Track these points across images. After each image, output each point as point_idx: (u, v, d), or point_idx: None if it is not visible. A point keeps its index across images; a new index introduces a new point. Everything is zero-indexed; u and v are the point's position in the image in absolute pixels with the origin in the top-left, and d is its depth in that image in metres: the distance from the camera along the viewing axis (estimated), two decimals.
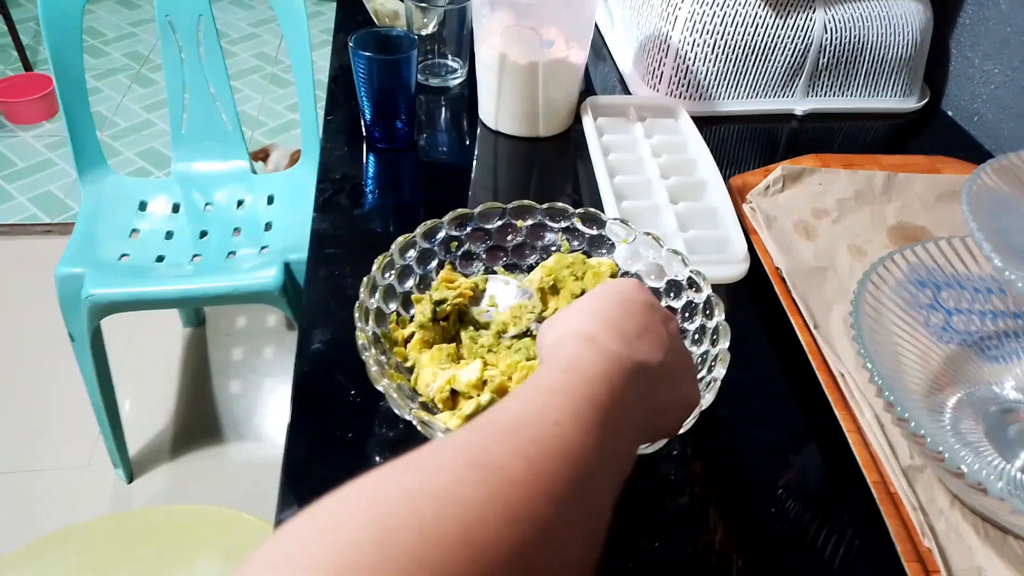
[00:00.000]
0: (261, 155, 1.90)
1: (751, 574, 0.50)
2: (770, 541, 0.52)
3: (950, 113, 1.00)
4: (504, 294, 0.61)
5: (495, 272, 0.64)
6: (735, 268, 0.69)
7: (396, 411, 0.49)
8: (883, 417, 0.55)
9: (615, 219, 0.63)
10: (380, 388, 0.49)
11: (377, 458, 0.54)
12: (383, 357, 0.54)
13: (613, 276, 0.62)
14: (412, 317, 0.59)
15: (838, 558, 0.51)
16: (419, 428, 0.48)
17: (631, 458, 0.35)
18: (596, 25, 1.14)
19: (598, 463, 0.31)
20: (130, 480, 1.52)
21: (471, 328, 0.59)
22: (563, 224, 0.64)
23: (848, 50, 0.94)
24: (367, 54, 0.78)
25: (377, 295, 0.57)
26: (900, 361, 0.57)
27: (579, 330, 0.38)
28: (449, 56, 0.99)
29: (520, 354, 0.57)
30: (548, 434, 0.30)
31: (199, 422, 1.64)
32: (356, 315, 0.53)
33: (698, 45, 0.91)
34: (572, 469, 0.29)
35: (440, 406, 0.54)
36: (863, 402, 0.56)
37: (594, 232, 0.63)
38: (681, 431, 0.46)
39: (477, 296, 0.62)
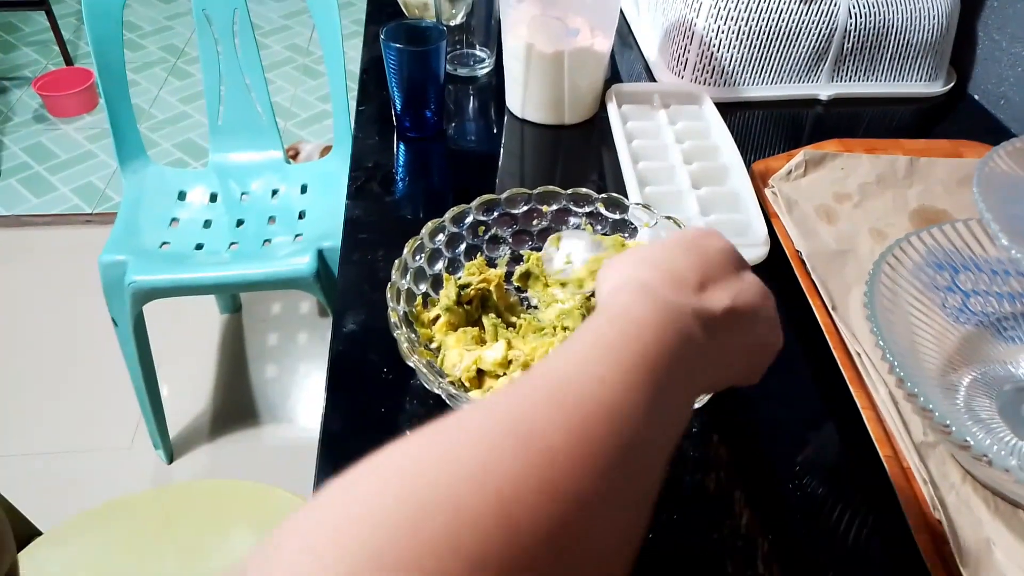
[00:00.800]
0: (291, 152, 1.94)
1: (769, 544, 0.52)
2: (786, 514, 0.54)
3: (976, 97, 1.00)
4: (579, 249, 0.63)
5: (521, 256, 0.67)
6: (756, 251, 0.70)
7: (426, 385, 0.52)
8: (897, 394, 0.56)
9: (637, 203, 0.65)
10: (411, 364, 0.52)
11: (408, 432, 0.57)
12: (413, 335, 0.56)
13: None
14: (438, 299, 0.62)
15: (852, 530, 0.53)
16: (448, 402, 0.51)
17: (687, 412, 0.34)
18: (622, 13, 1.15)
19: (647, 423, 0.28)
20: (170, 461, 1.58)
21: (493, 315, 0.62)
22: (587, 209, 0.66)
23: (873, 35, 0.94)
24: (398, 45, 0.81)
25: (408, 277, 0.59)
26: (915, 341, 0.58)
27: (634, 278, 0.36)
28: (477, 46, 1.01)
29: (545, 338, 0.59)
30: (592, 395, 0.27)
31: (236, 405, 1.70)
32: (388, 295, 0.56)
33: (723, 32, 0.93)
34: (619, 435, 0.27)
35: (467, 384, 0.56)
36: (878, 380, 0.57)
37: (617, 216, 0.65)
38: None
39: (551, 256, 0.63)
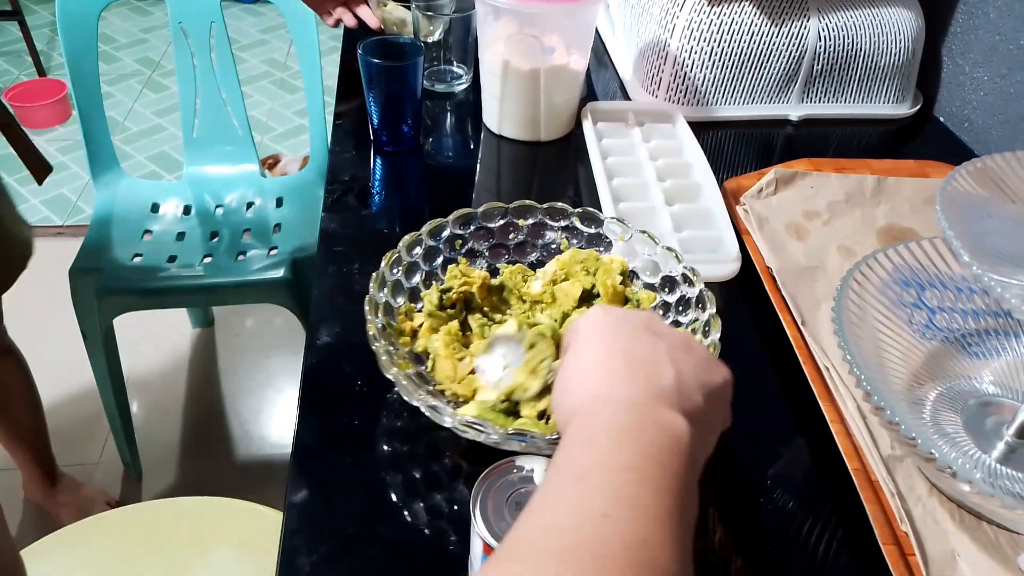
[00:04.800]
0: (270, 161, 1.94)
1: (742, 560, 0.52)
2: (758, 528, 0.54)
3: (942, 119, 1.03)
4: (512, 352, 0.55)
5: (498, 270, 0.67)
6: (727, 267, 0.71)
7: (405, 397, 0.52)
8: (864, 408, 0.57)
9: (612, 218, 0.65)
10: (390, 376, 0.52)
11: (385, 447, 0.57)
12: (391, 347, 0.56)
13: (623, 273, 0.64)
14: (420, 309, 0.62)
15: (822, 543, 0.53)
16: (427, 413, 0.51)
17: (695, 495, 0.35)
18: (597, 32, 1.16)
19: (674, 546, 0.30)
20: (139, 476, 1.55)
21: (479, 315, 0.62)
22: (562, 223, 0.67)
23: (842, 57, 0.96)
24: (375, 60, 0.81)
25: (386, 290, 0.60)
26: (883, 356, 0.59)
27: (588, 396, 0.38)
28: (454, 63, 1.02)
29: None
30: (620, 550, 0.29)
31: (206, 420, 1.67)
32: (366, 308, 0.56)
33: (696, 52, 0.94)
34: None
35: (460, 395, 0.56)
36: (846, 394, 0.58)
37: (592, 231, 0.66)
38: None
39: (484, 368, 0.56)
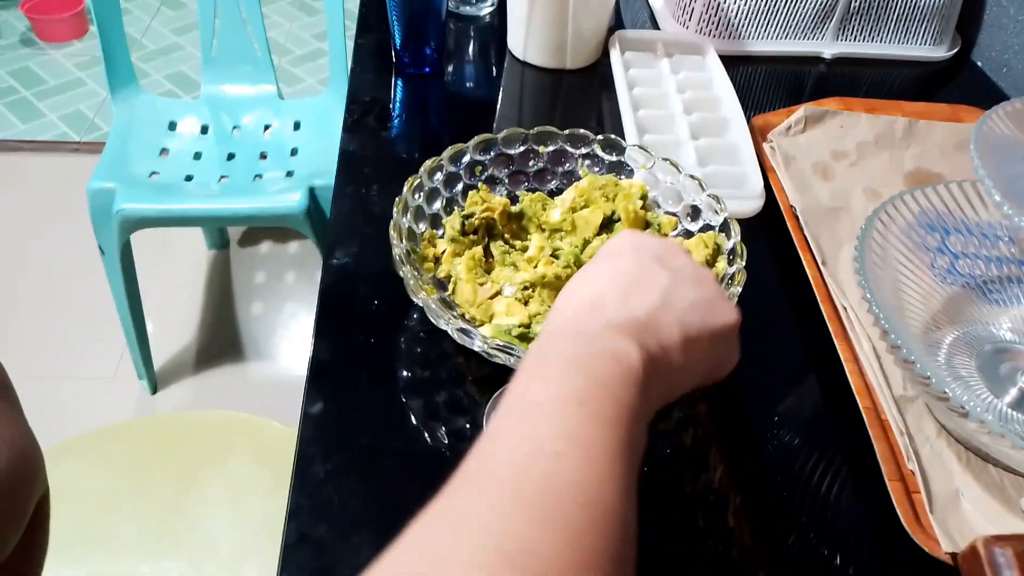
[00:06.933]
0: None
1: (741, 497, 0.53)
2: (761, 461, 0.55)
3: (979, 64, 1.00)
4: None
5: (517, 197, 0.66)
6: (750, 204, 0.71)
7: (433, 320, 0.52)
8: (880, 348, 0.57)
9: (635, 145, 0.64)
10: (418, 301, 0.52)
11: (400, 365, 0.57)
12: (416, 273, 0.56)
13: (643, 197, 0.63)
14: (442, 235, 0.62)
15: (827, 477, 0.54)
16: (456, 337, 0.51)
17: (646, 429, 0.34)
18: None
19: (621, 484, 0.30)
20: (154, 391, 1.58)
21: (500, 241, 0.62)
22: (583, 150, 0.66)
23: None
24: None
25: (408, 215, 0.59)
26: (902, 298, 0.59)
27: (561, 320, 0.38)
28: None
29: (553, 267, 0.59)
30: (565, 484, 0.29)
31: (221, 339, 1.70)
32: (392, 234, 0.56)
33: None
34: (598, 519, 0.28)
35: (479, 319, 0.58)
36: (862, 334, 0.58)
37: (613, 158, 0.65)
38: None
39: None
